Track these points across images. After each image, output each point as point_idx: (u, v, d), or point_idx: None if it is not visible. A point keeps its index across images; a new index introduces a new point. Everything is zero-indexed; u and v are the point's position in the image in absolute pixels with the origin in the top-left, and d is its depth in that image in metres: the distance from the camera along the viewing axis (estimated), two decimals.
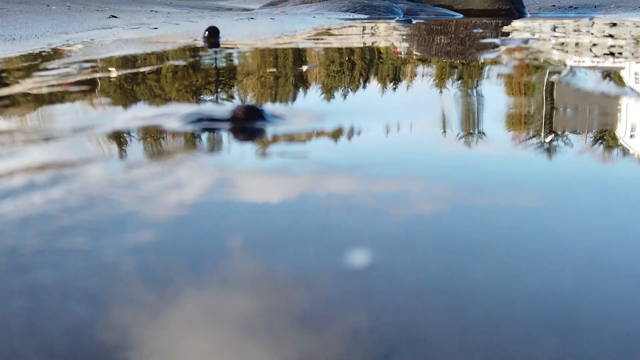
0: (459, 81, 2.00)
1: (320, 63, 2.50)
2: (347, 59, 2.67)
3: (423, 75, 2.12)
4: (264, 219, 0.75)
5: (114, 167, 0.98)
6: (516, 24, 7.20)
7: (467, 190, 0.85)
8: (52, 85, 1.85)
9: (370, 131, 1.29)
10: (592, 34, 4.61)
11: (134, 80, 1.96)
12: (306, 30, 4.32)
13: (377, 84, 1.90)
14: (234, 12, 8.15)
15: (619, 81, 2.01)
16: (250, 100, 1.67)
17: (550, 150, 1.13)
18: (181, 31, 4.22)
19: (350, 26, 5.09)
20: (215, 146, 1.19)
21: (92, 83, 1.92)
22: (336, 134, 1.25)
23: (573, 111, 1.54)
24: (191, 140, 1.23)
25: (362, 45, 3.60)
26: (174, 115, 1.44)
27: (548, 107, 1.55)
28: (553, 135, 1.25)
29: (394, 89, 1.82)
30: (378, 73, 2.19)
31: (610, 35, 4.41)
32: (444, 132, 1.26)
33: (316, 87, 1.83)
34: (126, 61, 2.53)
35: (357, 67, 2.35)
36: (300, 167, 1.00)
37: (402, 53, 3.06)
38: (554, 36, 4.29)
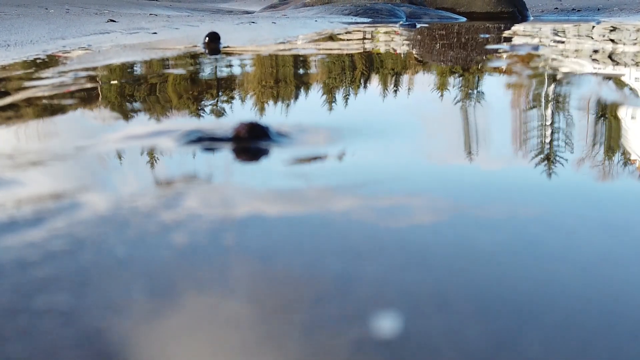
0: (479, 94, 1.89)
1: (327, 72, 2.39)
2: (356, 68, 2.57)
3: (440, 88, 2.02)
4: (275, 268, 0.64)
5: (101, 199, 0.87)
6: (522, 28, 7.10)
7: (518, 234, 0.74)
8: (42, 98, 1.75)
9: (392, 151, 1.18)
10: (602, 39, 4.50)
11: (129, 92, 1.86)
12: (309, 36, 4.21)
13: (394, 96, 1.80)
14: (235, 15, 8.05)
15: None
16: (253, 114, 1.56)
17: (594, 178, 1.02)
18: (181, 36, 4.12)
19: (354, 31, 4.99)
20: (216, 172, 1.09)
21: (84, 95, 1.81)
22: (351, 156, 1.14)
23: (602, 127, 1.43)
24: (190, 164, 1.12)
25: (370, 52, 3.50)
26: (171, 133, 1.33)
27: (578, 124, 1.45)
28: (593, 159, 1.14)
29: (414, 102, 1.71)
30: (392, 84, 2.08)
31: (612, 40, 4.31)
32: (475, 153, 1.15)
33: (325, 100, 1.73)
34: (122, 70, 2.43)
35: (368, 78, 2.24)
36: (314, 199, 0.89)
37: (416, 62, 2.96)
38: (564, 41, 4.19)
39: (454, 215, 0.82)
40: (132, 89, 1.91)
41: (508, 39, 4.55)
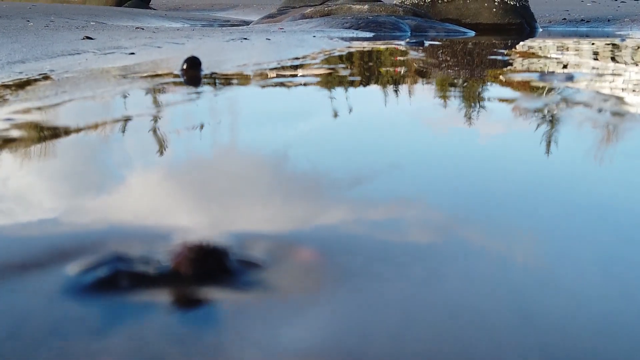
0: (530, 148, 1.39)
1: (329, 121, 1.89)
2: (372, 115, 2.07)
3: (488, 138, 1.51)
4: None
5: None
6: (537, 44, 6.62)
7: None
8: None
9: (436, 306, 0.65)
10: None
11: (42, 158, 1.34)
12: (306, 57, 3.72)
13: (437, 175, 1.27)
14: (228, 29, 7.58)
15: None
16: (210, 220, 1.05)
17: None
18: (160, 58, 3.63)
19: (358, 50, 4.50)
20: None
21: None
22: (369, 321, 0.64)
23: None
24: (88, 343, 0.62)
25: (382, 82, 3.01)
26: (69, 257, 0.84)
27: None
28: None
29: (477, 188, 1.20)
30: (427, 146, 1.57)
31: None
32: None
33: (324, 178, 1.22)
34: (64, 113, 1.93)
35: (390, 131, 1.74)
36: None
37: (442, 98, 2.46)
38: (597, 67, 3.70)
39: None
40: (52, 152, 1.40)
41: (532, 63, 4.07)
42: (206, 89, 2.53)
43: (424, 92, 2.59)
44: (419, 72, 3.34)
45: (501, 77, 3.09)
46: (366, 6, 9.17)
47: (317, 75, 3.04)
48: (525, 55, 4.77)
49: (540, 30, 11.15)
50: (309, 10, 9.60)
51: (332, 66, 3.43)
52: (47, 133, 1.63)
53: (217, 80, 2.77)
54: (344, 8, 9.38)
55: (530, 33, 10.29)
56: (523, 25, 10.76)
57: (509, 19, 10.70)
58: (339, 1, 12.65)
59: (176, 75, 2.89)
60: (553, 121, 1.84)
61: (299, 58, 3.65)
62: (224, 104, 2.17)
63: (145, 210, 1.05)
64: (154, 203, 1.09)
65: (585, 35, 10.11)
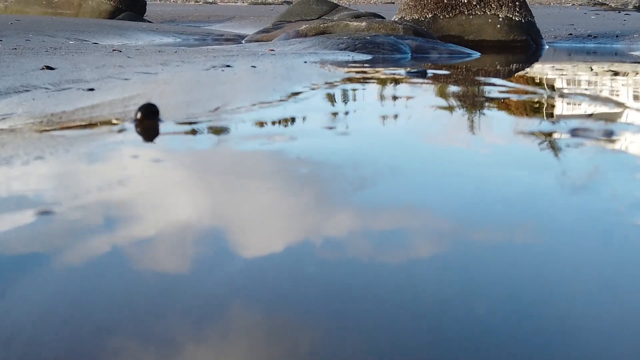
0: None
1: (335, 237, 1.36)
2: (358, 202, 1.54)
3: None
4: None
5: None
6: (550, 70, 6.11)
7: None
8: None
9: None
10: None
11: None
12: (289, 98, 3.21)
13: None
14: (214, 48, 7.07)
15: None
16: None
17: None
18: (121, 97, 3.11)
19: (355, 84, 3.98)
20: None
21: None
22: None
23: None
24: None
25: (373, 145, 2.50)
26: None
27: None
28: None
29: None
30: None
31: None
32: None
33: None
34: None
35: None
36: None
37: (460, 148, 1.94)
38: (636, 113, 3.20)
39: None
40: None
41: (556, 105, 3.57)
42: (157, 154, 2.01)
43: (434, 158, 2.08)
44: (419, 121, 2.83)
45: (532, 132, 2.57)
46: (364, 23, 8.68)
47: (298, 127, 2.53)
48: (541, 85, 4.26)
49: (547, 47, 10.67)
50: (303, 26, 9.10)
51: (317, 112, 2.92)
52: None
53: (175, 137, 2.26)
54: (341, 25, 8.89)
55: (537, 51, 9.81)
56: (529, 42, 10.27)
57: (514, 35, 10.22)
58: (336, 16, 12.18)
59: (127, 126, 2.38)
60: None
61: (282, 100, 3.13)
62: (175, 180, 1.65)
63: None
64: None
65: (594, 52, 9.62)
